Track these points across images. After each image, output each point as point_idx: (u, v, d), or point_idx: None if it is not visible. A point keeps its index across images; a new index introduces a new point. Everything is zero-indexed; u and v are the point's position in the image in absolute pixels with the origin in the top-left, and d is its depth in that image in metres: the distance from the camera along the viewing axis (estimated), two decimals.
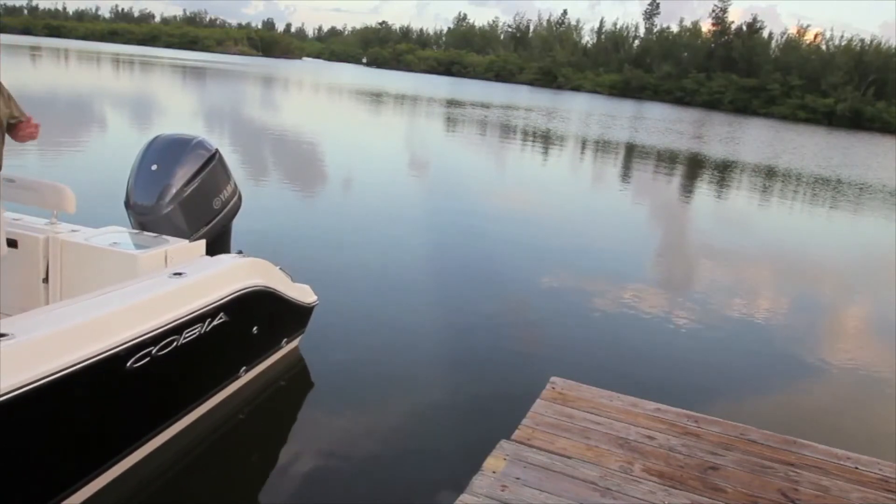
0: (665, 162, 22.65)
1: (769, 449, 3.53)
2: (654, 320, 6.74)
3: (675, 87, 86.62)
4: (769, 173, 22.24)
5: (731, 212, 15.00)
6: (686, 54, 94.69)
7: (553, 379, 4.09)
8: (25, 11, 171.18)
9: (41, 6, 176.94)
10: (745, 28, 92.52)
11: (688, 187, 17.83)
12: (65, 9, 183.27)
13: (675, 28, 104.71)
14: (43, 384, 2.59)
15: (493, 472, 3.03)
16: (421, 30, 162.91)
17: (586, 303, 7.03)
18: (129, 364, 3.03)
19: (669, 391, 4.87)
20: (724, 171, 21.88)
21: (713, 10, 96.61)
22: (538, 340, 5.96)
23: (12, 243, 3.95)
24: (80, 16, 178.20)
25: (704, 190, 17.63)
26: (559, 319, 6.55)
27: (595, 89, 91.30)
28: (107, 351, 2.88)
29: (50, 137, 14.27)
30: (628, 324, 6.57)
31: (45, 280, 4.03)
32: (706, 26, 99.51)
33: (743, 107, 77.53)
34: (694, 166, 22.52)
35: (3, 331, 2.60)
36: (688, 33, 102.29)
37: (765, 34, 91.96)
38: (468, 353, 5.52)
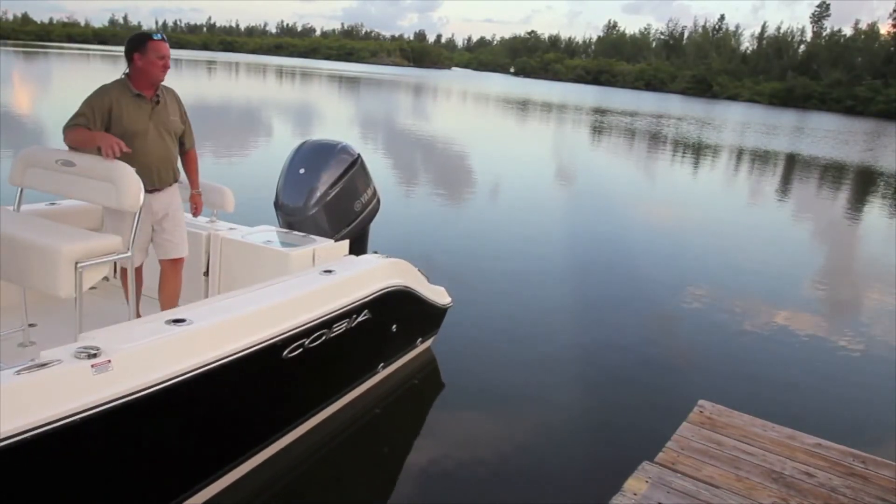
0: (831, 175, 20.85)
1: None
2: (814, 348, 6.16)
3: (846, 95, 79.83)
4: None
5: None
6: (860, 59, 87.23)
7: (701, 402, 3.84)
8: (204, 29, 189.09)
9: (217, 24, 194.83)
10: None
11: (856, 204, 16.28)
12: (237, 25, 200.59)
13: (847, 31, 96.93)
14: (214, 367, 2.77)
15: (634, 494, 2.87)
16: (569, 38, 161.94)
17: (738, 324, 6.55)
18: (284, 354, 3.18)
19: (830, 427, 4.39)
20: None
21: (895, 10, 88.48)
22: (684, 360, 5.61)
23: None
24: (251, 31, 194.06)
25: (877, 208, 16.02)
26: (708, 340, 6.15)
27: (753, 98, 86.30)
28: (268, 340, 3.05)
29: (218, 141, 15.54)
30: (784, 350, 6.04)
31: (206, 273, 4.34)
32: (885, 28, 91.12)
33: None
34: (865, 181, 20.56)
35: (181, 317, 2.82)
36: (863, 36, 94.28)
37: None
38: (606, 367, 5.30)
